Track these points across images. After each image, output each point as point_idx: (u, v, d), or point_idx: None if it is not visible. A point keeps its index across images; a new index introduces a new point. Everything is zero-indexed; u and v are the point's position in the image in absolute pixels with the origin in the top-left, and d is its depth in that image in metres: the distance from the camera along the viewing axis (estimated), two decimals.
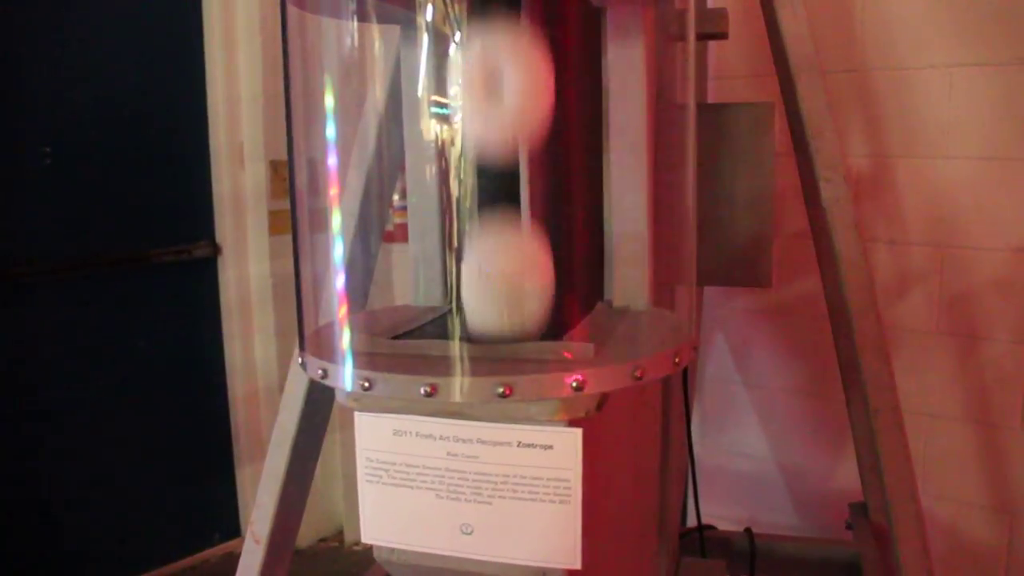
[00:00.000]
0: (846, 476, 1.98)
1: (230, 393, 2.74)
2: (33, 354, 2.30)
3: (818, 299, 1.65)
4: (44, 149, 2.26)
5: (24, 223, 2.25)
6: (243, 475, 2.76)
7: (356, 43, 0.86)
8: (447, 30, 0.78)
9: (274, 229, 2.67)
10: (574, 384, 0.67)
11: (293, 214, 0.85)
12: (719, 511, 2.13)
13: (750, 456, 2.22)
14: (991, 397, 1.85)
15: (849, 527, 1.84)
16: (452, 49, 0.76)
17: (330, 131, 0.82)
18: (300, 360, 0.79)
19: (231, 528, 2.74)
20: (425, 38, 0.80)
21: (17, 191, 2.23)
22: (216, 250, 2.66)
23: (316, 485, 1.82)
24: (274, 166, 2.63)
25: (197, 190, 2.62)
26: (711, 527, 1.78)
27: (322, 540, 2.87)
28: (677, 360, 0.75)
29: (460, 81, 0.75)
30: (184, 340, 2.63)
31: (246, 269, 2.70)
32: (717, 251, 1.27)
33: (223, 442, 2.75)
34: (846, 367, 1.65)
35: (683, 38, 0.90)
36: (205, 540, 2.72)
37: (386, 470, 0.77)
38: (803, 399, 2.11)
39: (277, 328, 2.68)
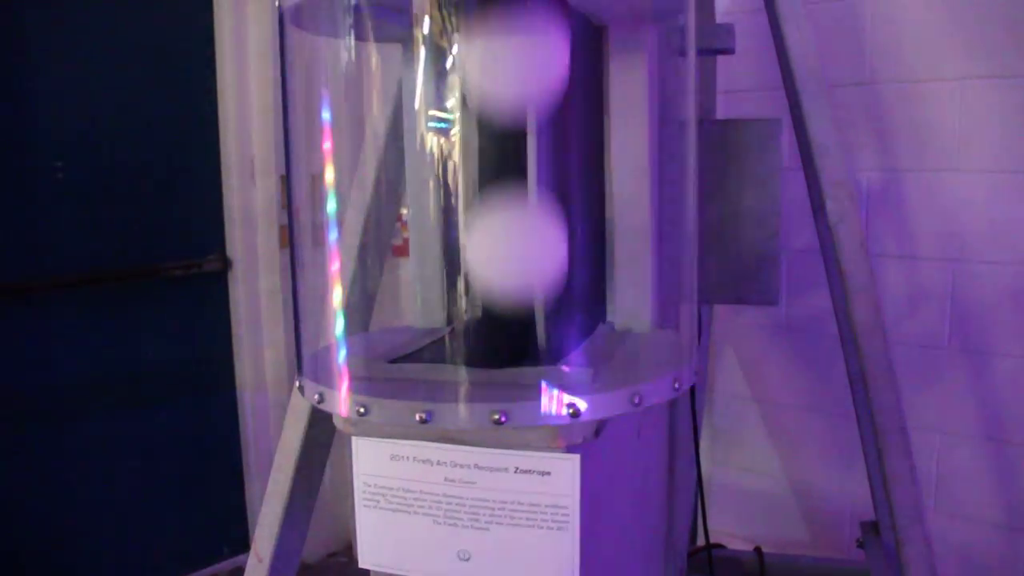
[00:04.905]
0: (857, 494, 1.96)
1: (240, 407, 2.73)
2: (44, 367, 2.30)
3: (829, 314, 1.63)
4: (55, 163, 2.27)
5: (35, 237, 2.26)
6: (252, 489, 2.75)
7: (355, 62, 0.85)
8: (444, 44, 0.77)
9: (284, 243, 2.67)
10: (570, 411, 0.67)
11: (291, 233, 0.85)
12: (729, 529, 2.11)
13: (760, 473, 2.20)
14: (1005, 414, 1.83)
15: (860, 546, 1.82)
16: (450, 62, 0.76)
17: (328, 147, 0.82)
18: (298, 384, 0.79)
19: (240, 542, 2.73)
20: (423, 52, 0.80)
21: (28, 205, 2.24)
22: (227, 264, 2.66)
23: (326, 499, 1.80)
24: (285, 180, 2.63)
25: (208, 204, 2.62)
26: (720, 546, 1.77)
27: (331, 555, 2.85)
28: (677, 385, 0.74)
29: (459, 89, 0.75)
30: (194, 354, 2.63)
31: (256, 283, 2.69)
32: (723, 268, 1.25)
33: (233, 456, 2.74)
34: (855, 384, 1.63)
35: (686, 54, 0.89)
36: (214, 554, 2.71)
37: (384, 495, 0.76)
38: (814, 416, 2.09)
39: (287, 342, 2.68)
